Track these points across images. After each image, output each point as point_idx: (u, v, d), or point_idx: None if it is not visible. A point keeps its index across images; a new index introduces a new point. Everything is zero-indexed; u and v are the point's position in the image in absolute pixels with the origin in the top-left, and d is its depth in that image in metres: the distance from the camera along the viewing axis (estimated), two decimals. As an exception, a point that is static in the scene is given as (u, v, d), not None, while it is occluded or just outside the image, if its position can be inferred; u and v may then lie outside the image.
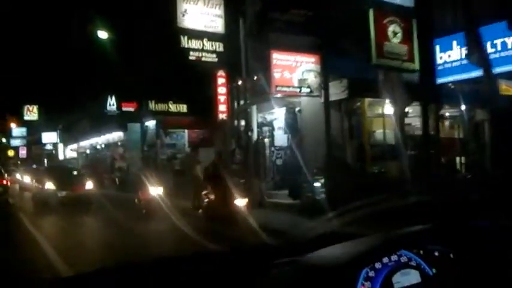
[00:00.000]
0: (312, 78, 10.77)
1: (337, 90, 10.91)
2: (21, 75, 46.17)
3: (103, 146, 32.05)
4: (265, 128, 13.66)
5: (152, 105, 23.41)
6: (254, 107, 12.66)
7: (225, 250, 2.62)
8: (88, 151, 36.16)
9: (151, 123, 23.37)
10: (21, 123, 51.08)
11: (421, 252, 1.42)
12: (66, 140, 39.97)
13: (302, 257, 1.44)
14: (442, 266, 1.40)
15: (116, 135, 28.10)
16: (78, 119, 33.85)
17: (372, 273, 1.32)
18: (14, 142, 54.54)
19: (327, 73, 10.39)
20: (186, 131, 24.49)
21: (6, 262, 5.80)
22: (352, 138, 11.88)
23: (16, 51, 45.71)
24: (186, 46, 12.43)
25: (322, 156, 10.61)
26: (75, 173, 19.39)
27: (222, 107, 13.29)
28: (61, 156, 40.59)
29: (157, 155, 22.79)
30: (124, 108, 23.16)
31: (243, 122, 15.01)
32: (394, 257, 1.37)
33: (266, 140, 13.02)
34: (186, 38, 12.41)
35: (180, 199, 17.17)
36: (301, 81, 10.67)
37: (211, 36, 12.84)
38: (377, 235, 1.52)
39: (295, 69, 10.71)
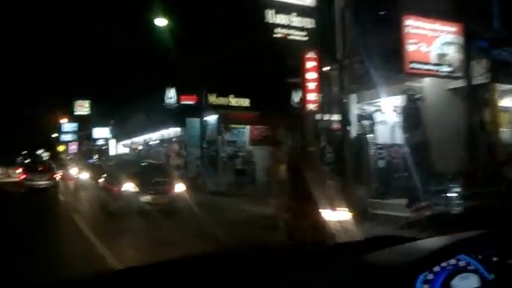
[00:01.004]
0: (453, 54, 8.38)
1: (473, 73, 8.48)
2: (73, 69, 46.02)
3: (157, 142, 30.57)
4: (365, 122, 11.32)
5: (213, 98, 21.59)
6: (353, 97, 10.40)
7: (286, 245, 2.59)
8: (141, 147, 34.86)
9: (211, 118, 21.49)
10: (72, 118, 50.93)
11: (480, 257, 1.40)
12: (118, 135, 39.01)
13: (361, 256, 1.43)
14: (501, 272, 1.39)
15: (172, 131, 26.46)
16: (132, 113, 32.58)
17: (430, 276, 1.32)
18: (65, 137, 54.60)
19: (469, 48, 7.97)
20: (248, 127, 22.49)
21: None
22: (482, 134, 9.35)
23: (68, 44, 45.47)
24: (271, 21, 10.27)
25: (455, 157, 8.19)
26: (159, 168, 14.90)
27: (311, 96, 11.00)
28: (112, 152, 39.66)
29: (218, 152, 20.86)
30: (183, 102, 21.38)
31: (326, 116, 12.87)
32: (452, 261, 1.36)
33: (370, 136, 10.63)
34: (273, 11, 10.26)
35: (248, 203, 15.20)
36: (441, 57, 8.30)
37: (301, 10, 10.63)
38: (436, 238, 1.52)
39: (431, 40, 8.33)
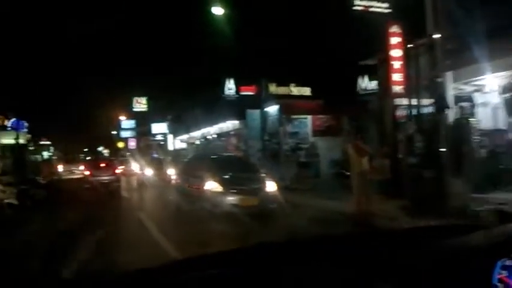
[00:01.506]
0: None
1: None
2: (131, 66, 46.53)
3: (215, 136, 29.98)
4: (464, 104, 9.80)
5: (273, 88, 20.53)
6: (448, 75, 8.96)
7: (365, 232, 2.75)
8: (198, 142, 34.49)
9: (272, 109, 20.43)
10: (130, 115, 51.72)
11: None
12: (175, 130, 38.95)
13: (439, 241, 1.46)
14: None
15: (230, 124, 25.68)
16: (189, 107, 32.19)
17: (509, 263, 1.30)
18: (124, 134, 55.62)
19: None
20: (310, 117, 21.24)
21: None
22: None
23: (123, 40, 45.96)
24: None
25: None
26: (241, 162, 13.25)
27: (397, 77, 9.62)
28: (170, 147, 39.70)
29: (280, 145, 19.79)
30: (242, 92, 20.47)
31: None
32: None
33: (472, 120, 9.11)
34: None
35: (318, 198, 14.10)
36: None
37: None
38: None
39: None
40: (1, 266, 5.04)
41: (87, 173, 21.68)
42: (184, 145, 38.51)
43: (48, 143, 54.38)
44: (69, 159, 30.98)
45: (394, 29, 9.50)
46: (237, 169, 10.92)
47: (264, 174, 11.28)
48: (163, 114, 41.62)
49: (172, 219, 10.65)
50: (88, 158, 33.30)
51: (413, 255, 1.42)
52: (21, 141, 28.47)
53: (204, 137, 32.17)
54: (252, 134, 20.87)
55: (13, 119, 27.30)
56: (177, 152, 37.67)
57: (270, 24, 20.02)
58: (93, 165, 22.27)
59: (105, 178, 20.63)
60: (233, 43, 20.59)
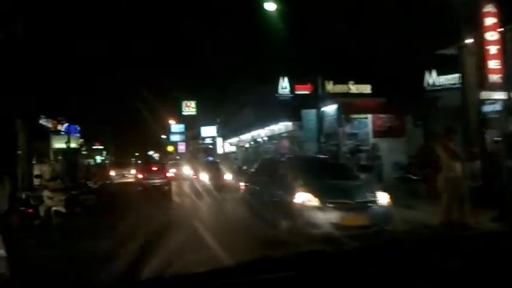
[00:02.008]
0: None
1: None
2: (177, 68, 46.31)
3: (265, 138, 28.96)
4: None
5: (330, 86, 19.24)
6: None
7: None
8: (248, 145, 33.60)
9: (329, 109, 19.13)
10: (179, 119, 51.77)
11: None
12: (225, 133, 38.32)
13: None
14: None
15: (283, 126, 24.57)
16: (239, 110, 31.40)
17: None
18: (173, 138, 55.88)
19: None
20: (370, 117, 19.76)
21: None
22: None
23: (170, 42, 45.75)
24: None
25: None
26: (337, 167, 10.94)
27: (494, 64, 8.16)
28: (220, 151, 39.10)
29: (339, 147, 18.45)
30: (297, 91, 19.30)
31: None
32: None
33: None
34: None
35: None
36: None
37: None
38: None
39: None
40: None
41: (139, 176, 22.10)
42: (233, 148, 37.79)
43: (101, 147, 55.50)
44: (121, 163, 30.94)
45: (489, 8, 8.06)
46: (331, 176, 8.60)
47: (372, 183, 9.26)
48: (213, 117, 41.16)
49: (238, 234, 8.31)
50: (139, 162, 33.44)
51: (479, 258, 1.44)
52: (73, 145, 28.67)
53: (254, 140, 31.23)
54: (308, 135, 19.65)
55: (66, 124, 27.48)
56: (226, 156, 37.00)
57: (326, 19, 18.79)
58: (145, 169, 22.60)
59: (156, 181, 20.80)
60: (287, 40, 19.52)
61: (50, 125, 26.93)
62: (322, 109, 19.35)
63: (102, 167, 34.63)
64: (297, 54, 19.69)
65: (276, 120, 23.74)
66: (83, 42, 23.48)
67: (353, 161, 18.61)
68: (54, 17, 17.58)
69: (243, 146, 34.10)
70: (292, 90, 19.14)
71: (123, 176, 29.12)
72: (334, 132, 18.98)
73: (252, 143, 32.37)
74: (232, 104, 32.82)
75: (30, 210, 9.32)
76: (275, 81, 19.04)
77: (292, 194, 7.52)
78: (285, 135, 25.59)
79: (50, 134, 27.46)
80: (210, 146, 45.10)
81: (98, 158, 53.93)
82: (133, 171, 29.20)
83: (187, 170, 23.97)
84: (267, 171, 9.87)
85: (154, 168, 22.51)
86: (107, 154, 62.16)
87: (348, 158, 18.56)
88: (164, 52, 49.66)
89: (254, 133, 29.85)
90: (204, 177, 14.70)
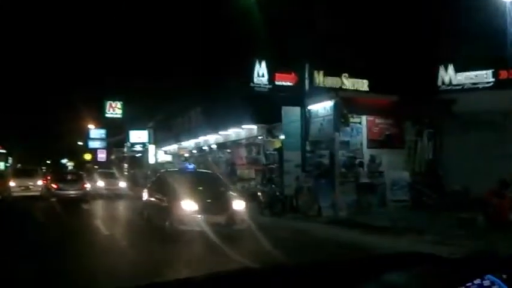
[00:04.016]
0: None
1: None
2: (98, 62, 39.80)
3: (214, 146, 23.69)
4: None
5: (319, 78, 14.63)
6: None
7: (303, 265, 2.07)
8: (187, 154, 27.98)
9: (320, 107, 14.41)
10: (102, 124, 45.03)
11: (504, 276, 1.35)
12: (159, 139, 32.39)
13: (385, 275, 1.40)
14: None
15: (244, 131, 19.55)
16: (183, 110, 25.87)
17: None
18: (92, 144, 48.82)
19: None
20: (364, 121, 15.43)
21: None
22: None
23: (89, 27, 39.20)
24: None
25: None
26: None
27: None
28: (151, 160, 32.99)
29: (334, 158, 13.73)
30: (278, 82, 14.40)
31: None
32: (477, 281, 1.32)
33: None
34: None
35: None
36: None
37: None
38: (462, 258, 1.53)
39: None
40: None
41: (53, 186, 20.85)
42: (169, 157, 31.95)
43: (3, 151, 46.80)
44: (24, 172, 23.96)
45: None
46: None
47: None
48: (144, 121, 35.08)
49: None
50: (52, 171, 27.71)
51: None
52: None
53: (199, 148, 25.80)
54: (288, 142, 14.75)
55: None
56: (160, 166, 31.09)
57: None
58: (60, 179, 21.60)
59: (72, 192, 20.21)
60: (264, 15, 14.75)
61: None
62: (309, 107, 14.62)
63: (3, 176, 27.48)
64: (278, 33, 14.92)
65: (237, 122, 18.64)
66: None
67: (350, 177, 14.07)
68: None
69: (183, 155, 28.42)
70: (271, 79, 14.18)
71: (27, 189, 22.31)
72: (324, 138, 14.29)
73: (195, 151, 26.89)
74: (172, 105, 27.21)
75: None
76: (250, 66, 13.94)
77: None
78: (243, 142, 20.56)
79: None
80: (138, 155, 38.79)
81: (2, 165, 45.52)
82: (40, 183, 22.77)
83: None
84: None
85: (70, 178, 21.78)
86: (13, 161, 53.25)
87: (344, 174, 13.96)
88: (82, 39, 42.31)
89: (200, 139, 24.45)
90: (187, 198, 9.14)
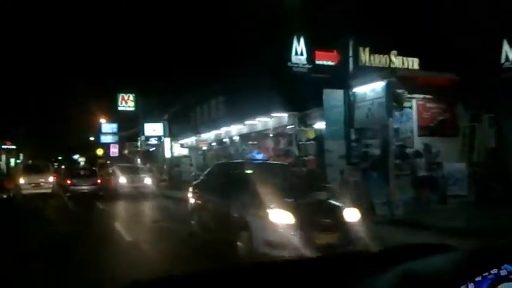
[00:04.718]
0: None
1: None
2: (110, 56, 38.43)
3: (236, 138, 21.91)
4: None
5: (365, 56, 12.76)
6: None
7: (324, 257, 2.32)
8: (206, 147, 26.25)
9: (368, 89, 12.55)
10: (113, 118, 43.69)
11: None
12: (175, 132, 30.70)
13: (399, 266, 1.36)
14: None
15: (272, 120, 17.76)
16: (202, 100, 24.13)
17: (471, 286, 1.22)
18: (104, 139, 47.56)
19: None
20: (415, 106, 13.51)
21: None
22: None
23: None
24: None
25: None
26: None
27: None
28: (167, 154, 31.34)
29: (387, 148, 11.88)
30: (318, 61, 12.54)
31: None
32: (494, 270, 1.24)
33: None
34: None
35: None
36: None
37: None
38: (479, 247, 1.44)
39: None
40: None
41: (68, 182, 21.26)
42: (185, 151, 30.27)
43: (13, 147, 45.72)
44: (33, 168, 22.45)
45: None
46: None
47: None
48: (158, 113, 33.49)
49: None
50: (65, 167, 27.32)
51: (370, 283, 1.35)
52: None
53: (219, 140, 24.05)
54: (331, 130, 12.90)
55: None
56: (177, 161, 29.47)
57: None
58: (74, 175, 21.89)
59: (85, 188, 20.41)
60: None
61: None
62: (354, 89, 12.76)
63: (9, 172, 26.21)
64: (314, 7, 13.05)
65: (266, 111, 16.85)
66: None
67: (405, 170, 12.21)
68: None
69: (201, 149, 26.72)
70: (310, 58, 12.34)
71: (37, 186, 20.84)
72: (373, 125, 12.44)
73: (214, 144, 25.16)
74: (190, 95, 25.51)
75: None
76: (288, 44, 12.05)
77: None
78: (270, 132, 18.77)
79: None
80: (152, 149, 37.26)
81: (12, 161, 44.55)
82: (51, 179, 21.41)
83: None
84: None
85: (84, 174, 22.09)
86: (24, 157, 52.44)
87: (399, 166, 12.09)
88: (94, 32, 40.98)
89: (222, 131, 22.70)
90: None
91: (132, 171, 22.01)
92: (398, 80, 11.15)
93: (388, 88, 11.57)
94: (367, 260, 1.69)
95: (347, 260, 1.75)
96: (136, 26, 38.22)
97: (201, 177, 10.33)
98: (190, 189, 9.65)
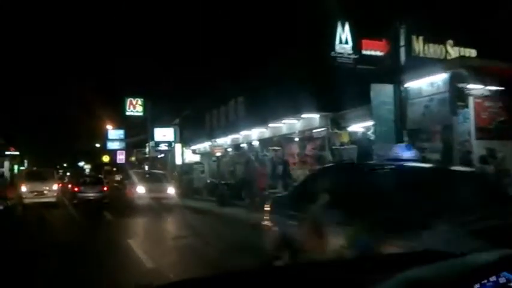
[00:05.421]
0: None
1: None
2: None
3: (256, 143, 20.14)
4: None
5: (419, 46, 10.99)
6: None
7: (322, 263, 2.34)
8: (220, 153, 24.46)
9: (420, 83, 10.79)
10: (120, 124, 42.16)
11: None
12: (186, 138, 29.02)
13: (400, 273, 1.33)
14: None
15: (300, 122, 16.02)
16: (218, 102, 22.44)
17: None
18: (111, 145, 45.87)
19: None
20: (472, 104, 11.67)
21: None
22: None
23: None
24: None
25: None
26: None
27: None
28: (178, 161, 29.62)
29: (449, 152, 10.10)
30: (365, 51, 10.79)
31: None
32: (493, 278, 1.26)
33: None
34: None
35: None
36: None
37: None
38: (478, 254, 1.45)
39: None
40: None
41: (75, 189, 21.44)
42: (197, 157, 28.55)
43: (16, 153, 44.29)
44: (36, 175, 20.72)
45: None
46: None
47: None
48: (168, 118, 31.87)
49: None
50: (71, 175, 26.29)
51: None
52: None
53: (236, 145, 22.31)
54: (381, 131, 11.10)
55: None
56: (189, 167, 27.74)
57: None
58: (80, 182, 22.07)
59: (92, 195, 20.35)
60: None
61: None
62: (406, 84, 10.99)
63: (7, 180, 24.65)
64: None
65: (294, 111, 15.11)
66: None
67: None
68: None
69: (215, 155, 24.94)
70: (356, 48, 10.61)
71: (41, 194, 19.11)
72: (431, 125, 10.65)
73: (230, 149, 23.42)
74: (204, 98, 23.82)
75: None
76: (332, 32, 10.28)
77: None
78: (296, 138, 17.01)
79: None
80: (161, 155, 35.61)
81: (16, 168, 43.06)
82: (55, 187, 19.71)
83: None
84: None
85: (90, 182, 22.03)
86: (28, 163, 51.11)
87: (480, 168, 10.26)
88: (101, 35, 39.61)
89: (240, 135, 20.96)
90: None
91: (153, 179, 18.22)
92: (469, 71, 9.35)
93: (452, 81, 9.78)
94: (369, 266, 1.67)
95: (350, 267, 1.77)
96: (144, 27, 36.84)
97: (290, 189, 7.84)
98: (268, 207, 6.47)
